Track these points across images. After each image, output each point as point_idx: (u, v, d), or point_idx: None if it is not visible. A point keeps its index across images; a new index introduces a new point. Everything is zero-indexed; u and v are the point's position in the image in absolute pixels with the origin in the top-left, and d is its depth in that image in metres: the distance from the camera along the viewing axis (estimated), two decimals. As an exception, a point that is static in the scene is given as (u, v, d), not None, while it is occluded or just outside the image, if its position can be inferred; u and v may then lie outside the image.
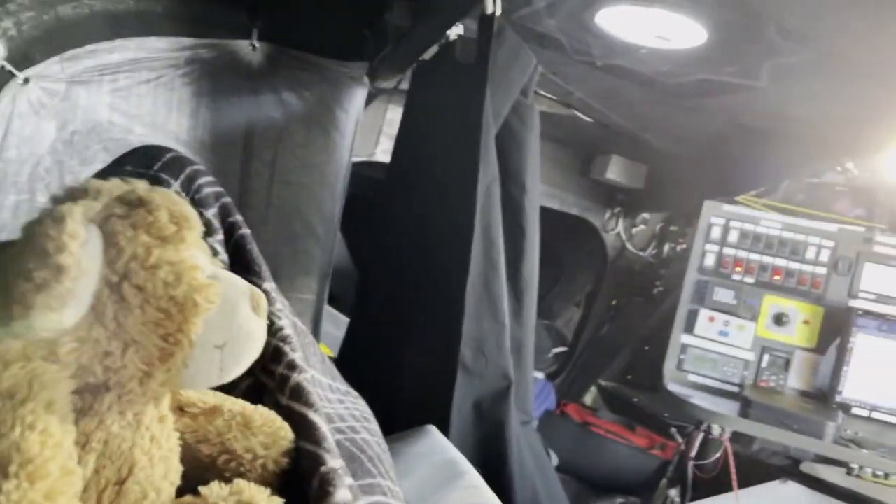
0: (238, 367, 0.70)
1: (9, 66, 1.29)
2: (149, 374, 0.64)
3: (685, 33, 1.63)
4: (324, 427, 0.79)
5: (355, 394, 1.10)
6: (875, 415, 2.03)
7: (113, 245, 0.63)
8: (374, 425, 1.03)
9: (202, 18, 1.66)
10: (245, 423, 0.77)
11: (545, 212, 2.61)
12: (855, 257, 2.16)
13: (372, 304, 1.79)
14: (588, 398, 3.11)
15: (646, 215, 2.95)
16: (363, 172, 2.13)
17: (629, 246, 2.99)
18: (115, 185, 0.68)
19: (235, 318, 0.69)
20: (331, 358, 2.10)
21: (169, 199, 0.68)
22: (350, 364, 1.77)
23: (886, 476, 1.88)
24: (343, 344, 1.87)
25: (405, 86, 1.91)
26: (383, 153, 2.26)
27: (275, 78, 1.77)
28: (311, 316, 1.91)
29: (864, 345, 2.04)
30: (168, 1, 1.57)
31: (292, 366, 0.84)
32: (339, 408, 0.96)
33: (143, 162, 0.96)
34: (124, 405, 0.64)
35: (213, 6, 1.68)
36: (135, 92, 1.54)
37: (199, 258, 0.68)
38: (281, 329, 0.88)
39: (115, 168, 0.94)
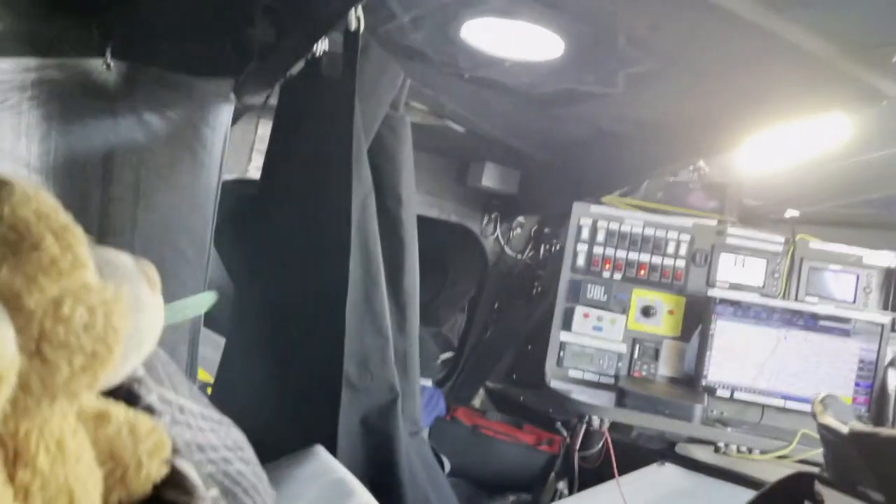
0: (139, 354, 0.67)
1: None
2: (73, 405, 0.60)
3: (545, 45, 1.70)
4: (193, 474, 0.77)
5: (228, 421, 1.06)
6: (736, 395, 2.19)
7: (19, 311, 0.53)
8: (249, 453, 1.00)
9: (49, 36, 1.56)
10: (132, 430, 0.74)
11: (425, 220, 2.64)
12: (710, 249, 2.33)
13: (249, 324, 1.74)
14: (477, 401, 3.16)
15: (521, 219, 3.05)
16: (237, 190, 2.08)
17: (507, 249, 3.08)
18: None
19: (140, 310, 0.65)
20: (208, 383, 2.03)
21: (42, 213, 0.56)
22: (228, 388, 1.73)
23: (750, 451, 2.04)
24: (220, 367, 1.80)
25: (274, 101, 1.88)
26: (256, 170, 2.21)
27: (133, 97, 1.69)
28: (188, 343, 1.83)
29: (722, 330, 2.20)
30: (10, 18, 1.46)
31: (150, 409, 0.81)
32: (211, 437, 0.92)
33: None
34: (47, 439, 0.59)
35: (62, 23, 1.58)
36: (-24, 116, 1.43)
37: (90, 263, 0.62)
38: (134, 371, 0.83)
39: None
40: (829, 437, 0.99)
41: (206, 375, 2.11)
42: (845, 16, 1.38)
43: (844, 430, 0.95)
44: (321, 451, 1.30)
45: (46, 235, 0.55)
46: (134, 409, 0.78)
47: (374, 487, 1.21)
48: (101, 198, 1.65)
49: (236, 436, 1.04)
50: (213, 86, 1.80)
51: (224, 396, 1.69)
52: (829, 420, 1.00)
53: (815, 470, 1.06)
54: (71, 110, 1.59)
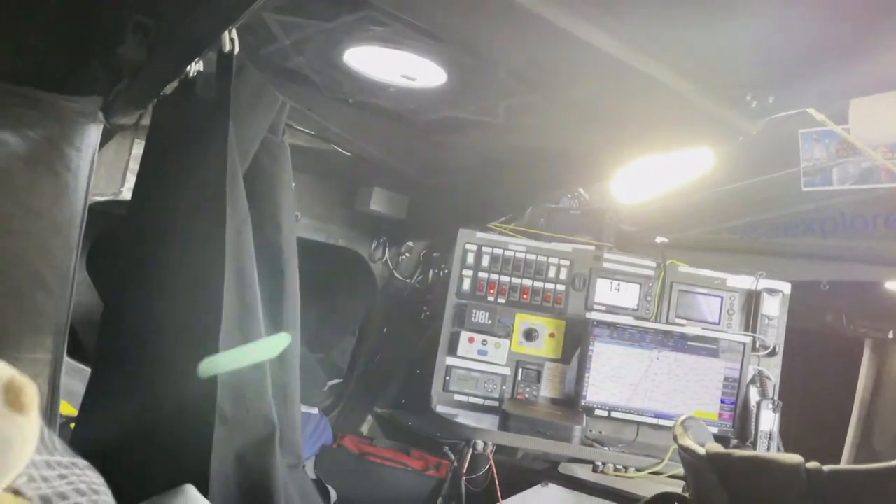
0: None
1: None
2: None
3: (428, 74, 1.72)
4: None
5: (83, 463, 0.99)
6: (613, 414, 2.28)
7: None
8: (105, 497, 0.94)
9: None
10: None
11: (313, 245, 2.60)
12: (588, 273, 2.42)
13: (117, 353, 1.64)
14: (365, 427, 3.12)
15: (410, 244, 3.05)
16: (111, 211, 1.97)
17: (396, 274, 3.08)
18: None
19: None
20: (71, 417, 1.89)
21: None
22: (93, 423, 1.61)
23: (626, 469, 2.11)
24: (84, 400, 1.68)
25: (147, 121, 1.80)
26: (130, 191, 2.10)
27: (-13, 114, 1.57)
28: (48, 377, 1.70)
29: (600, 352, 2.28)
30: None
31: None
32: (60, 484, 0.86)
33: None
34: None
35: None
36: None
37: None
38: None
39: None
40: (688, 458, 1.04)
41: (69, 408, 1.97)
42: (706, 58, 1.48)
43: (701, 451, 1.00)
44: (191, 491, 1.23)
45: None
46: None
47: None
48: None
49: (91, 478, 0.97)
50: (80, 105, 1.70)
51: (88, 432, 1.57)
52: (688, 442, 1.05)
53: (678, 491, 1.11)
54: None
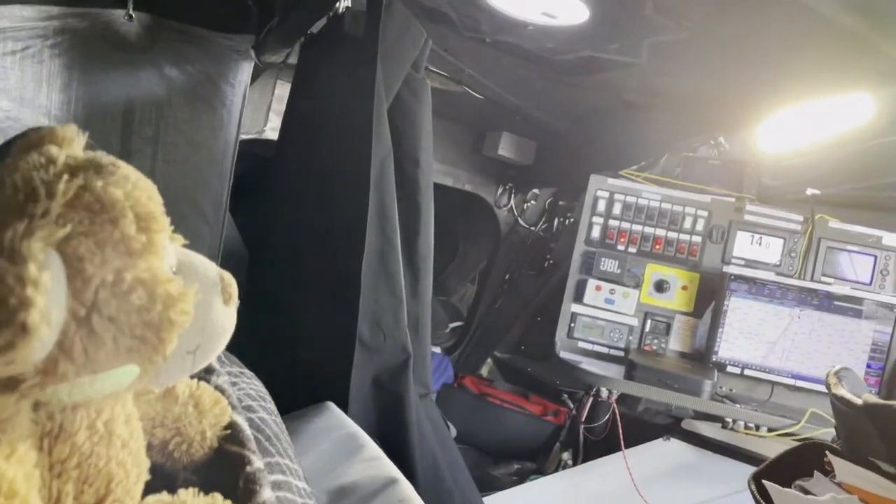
0: (206, 361, 0.67)
1: None
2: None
3: (569, 10, 1.67)
4: (247, 428, 0.80)
5: (249, 374, 1.08)
6: (747, 372, 2.19)
7: (78, 273, 0.53)
8: (271, 404, 1.01)
9: (72, -16, 1.55)
10: (196, 405, 0.77)
11: (439, 189, 2.62)
12: (727, 226, 2.31)
13: (264, 284, 1.75)
14: (484, 370, 3.18)
15: (536, 191, 3.03)
16: (251, 150, 2.07)
17: (521, 221, 3.07)
18: (65, 183, 0.54)
19: (209, 319, 0.64)
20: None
21: (133, 196, 0.57)
22: (244, 344, 1.74)
23: (757, 428, 2.04)
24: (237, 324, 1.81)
25: (294, 60, 1.87)
26: (272, 130, 2.20)
27: (154, 51, 1.68)
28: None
29: (736, 307, 2.19)
30: (33, -35, 1.46)
31: (209, 370, 0.85)
32: (233, 391, 0.94)
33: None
34: (93, 417, 0.60)
35: (84, -29, 1.57)
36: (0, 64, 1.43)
37: (168, 256, 0.61)
38: None
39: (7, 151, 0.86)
40: (842, 408, 0.99)
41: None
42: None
43: (858, 401, 0.95)
44: (332, 407, 1.31)
45: (127, 215, 0.56)
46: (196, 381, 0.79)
47: (383, 445, 1.22)
48: (120, 150, 1.65)
49: (259, 387, 1.05)
50: (234, 42, 1.79)
51: (237, 353, 1.70)
52: (843, 392, 1.00)
53: (827, 440, 1.07)
54: (92, 60, 1.59)
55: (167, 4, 1.69)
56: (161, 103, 1.70)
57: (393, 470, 1.06)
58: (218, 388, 0.84)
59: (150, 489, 0.65)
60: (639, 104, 2.25)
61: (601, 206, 2.38)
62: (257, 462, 0.75)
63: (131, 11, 1.62)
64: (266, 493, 0.73)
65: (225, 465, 0.76)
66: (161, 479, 0.69)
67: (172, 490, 0.66)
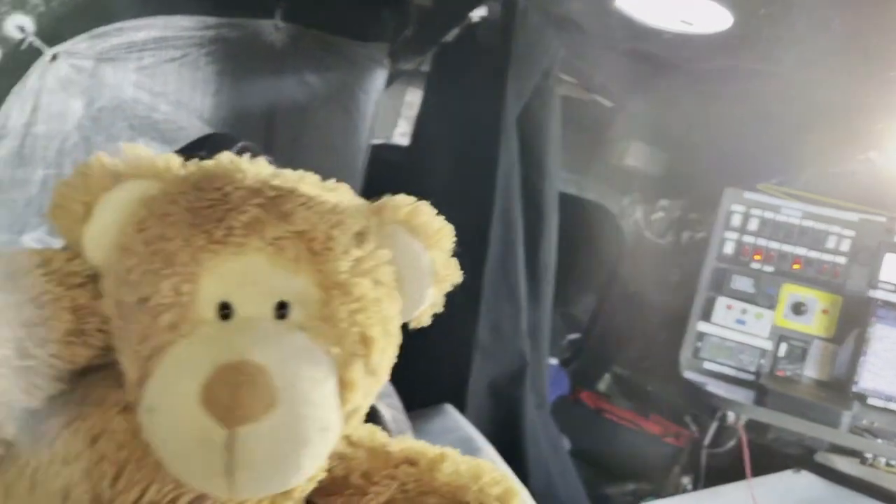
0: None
1: (38, 42, 1.31)
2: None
3: (710, 17, 1.61)
4: (390, 418, 0.82)
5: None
6: (891, 405, 2.01)
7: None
8: (395, 400, 1.04)
9: (229, -2, 1.67)
10: (475, 476, 0.69)
11: (562, 197, 2.60)
12: (876, 247, 2.14)
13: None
14: (602, 385, 3.11)
15: (664, 202, 2.93)
16: (381, 155, 2.14)
17: (647, 233, 2.98)
18: None
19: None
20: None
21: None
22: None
23: (901, 466, 1.87)
24: None
25: (425, 68, 1.91)
26: (401, 136, 2.26)
27: (297, 58, 1.78)
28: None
29: (882, 336, 2.02)
30: (193, -21, 1.58)
31: None
32: None
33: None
34: None
35: (240, -15, 1.69)
36: (160, 70, 1.55)
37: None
38: None
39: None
40: None
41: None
42: None
43: None
44: (450, 409, 1.33)
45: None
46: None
47: (497, 451, 1.22)
48: (263, 152, 1.75)
49: (386, 384, 1.09)
50: (370, 50, 1.86)
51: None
52: None
53: None
54: (241, 67, 1.70)
55: (311, 15, 1.78)
56: (301, 108, 1.80)
57: (509, 475, 1.06)
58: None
59: None
60: (781, 115, 2.13)
61: (736, 220, 2.26)
62: None
63: (279, 22, 1.72)
64: None
65: None
66: None
67: None
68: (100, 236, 0.57)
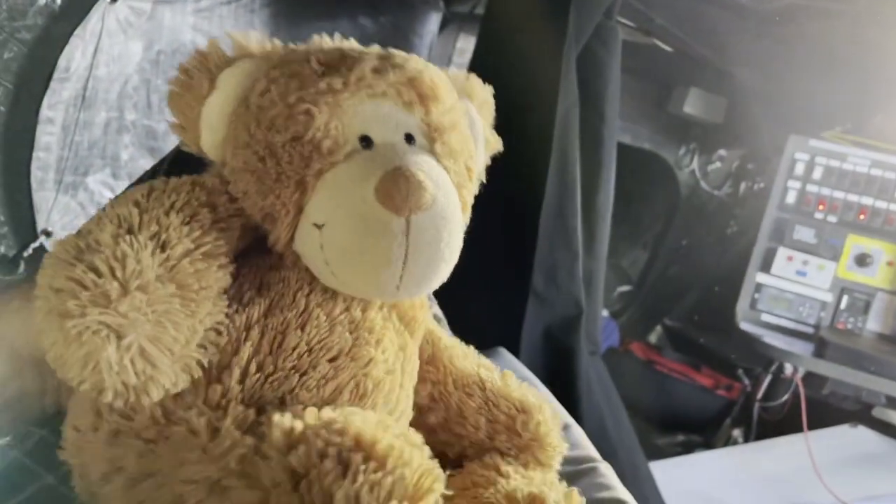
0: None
1: (97, -15, 1.31)
2: None
3: (781, -49, 1.54)
4: None
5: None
6: (958, 362, 1.95)
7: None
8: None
9: (281, -61, 1.65)
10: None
11: (617, 146, 2.55)
12: (948, 197, 2.05)
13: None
14: (653, 337, 3.09)
15: (722, 152, 2.85)
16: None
17: (703, 184, 2.91)
18: None
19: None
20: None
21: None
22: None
23: (967, 423, 1.82)
24: None
25: (480, 10, 1.87)
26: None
27: (351, 2, 1.75)
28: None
29: (952, 289, 1.95)
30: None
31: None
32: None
33: None
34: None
35: (291, -73, 1.66)
36: (217, 13, 1.55)
37: None
38: None
39: None
40: None
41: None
42: None
43: None
44: (506, 353, 1.33)
45: None
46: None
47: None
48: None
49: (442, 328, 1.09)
50: (425, -7, 1.83)
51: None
52: None
53: None
54: (296, 11, 1.68)
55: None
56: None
57: (564, 415, 1.07)
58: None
59: None
60: (848, 58, 2.03)
61: (799, 169, 2.19)
62: None
63: (333, -36, 1.70)
64: None
65: None
66: None
67: None
68: (223, 106, 0.64)
